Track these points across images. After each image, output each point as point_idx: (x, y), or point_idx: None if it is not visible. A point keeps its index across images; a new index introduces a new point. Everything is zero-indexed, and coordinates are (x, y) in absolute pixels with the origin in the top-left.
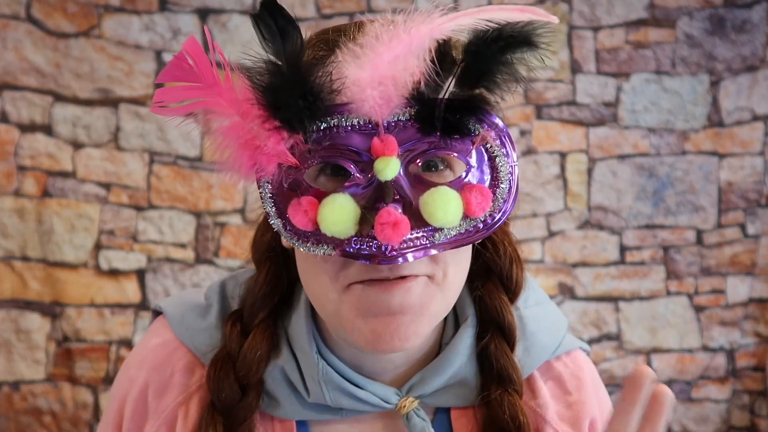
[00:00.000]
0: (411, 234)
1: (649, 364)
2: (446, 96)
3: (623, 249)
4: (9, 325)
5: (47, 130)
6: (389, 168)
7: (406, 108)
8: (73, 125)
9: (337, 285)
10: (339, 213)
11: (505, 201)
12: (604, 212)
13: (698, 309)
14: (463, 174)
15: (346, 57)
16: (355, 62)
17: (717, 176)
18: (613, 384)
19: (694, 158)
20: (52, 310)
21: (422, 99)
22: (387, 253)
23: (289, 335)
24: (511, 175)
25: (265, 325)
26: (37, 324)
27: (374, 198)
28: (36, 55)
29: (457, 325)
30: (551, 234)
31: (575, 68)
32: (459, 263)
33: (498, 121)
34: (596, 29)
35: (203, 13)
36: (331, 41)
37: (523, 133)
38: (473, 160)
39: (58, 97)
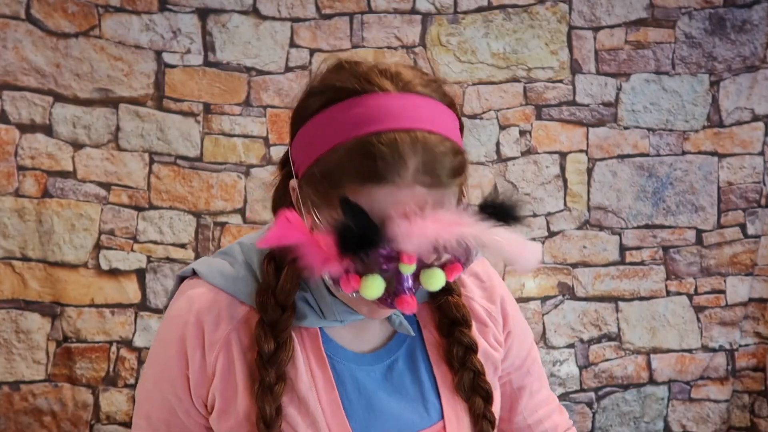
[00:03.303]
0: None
1: (649, 364)
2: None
3: (623, 249)
4: (9, 325)
5: (47, 130)
6: (409, 270)
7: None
8: (73, 125)
9: (355, 296)
10: (375, 290)
11: (467, 267)
12: (604, 212)
13: (698, 309)
14: (450, 259)
15: (402, 225)
16: (408, 227)
17: (717, 176)
18: (613, 384)
19: (694, 158)
20: (52, 310)
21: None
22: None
23: (312, 287)
24: (474, 254)
25: (294, 262)
26: (37, 324)
27: (397, 278)
28: (36, 55)
29: None
30: (551, 234)
31: (575, 68)
32: None
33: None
34: (596, 29)
35: (203, 13)
36: (393, 152)
37: (523, 133)
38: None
39: (58, 97)
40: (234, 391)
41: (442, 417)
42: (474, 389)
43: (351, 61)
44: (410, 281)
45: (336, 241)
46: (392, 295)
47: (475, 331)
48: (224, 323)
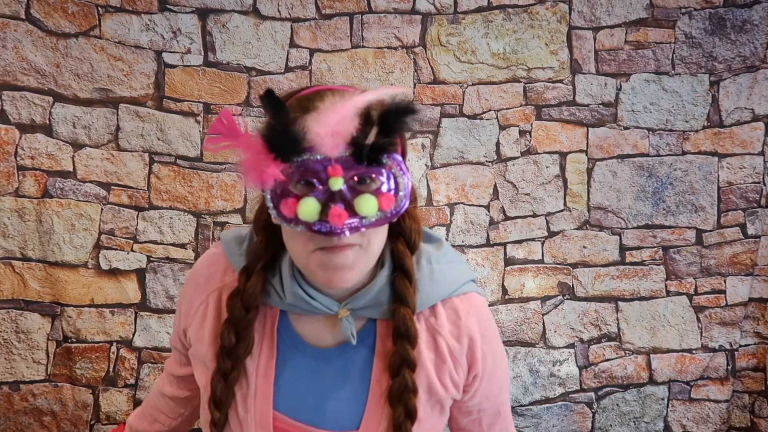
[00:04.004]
0: (348, 220)
1: (648, 364)
2: (369, 142)
3: (623, 249)
4: (9, 325)
5: (47, 130)
6: (337, 183)
7: (347, 149)
8: (73, 125)
9: (306, 249)
10: (309, 208)
11: (402, 201)
12: (604, 212)
13: (698, 309)
14: (380, 186)
15: (312, 118)
16: (317, 122)
17: (717, 176)
18: (612, 384)
19: (694, 158)
20: (52, 310)
21: (356, 144)
22: (335, 231)
23: (282, 270)
24: (406, 187)
25: (261, 271)
26: (37, 324)
27: (329, 199)
28: (36, 55)
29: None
30: (551, 234)
31: (575, 68)
32: (377, 235)
33: (398, 156)
34: (596, 29)
35: (203, 13)
36: (303, 106)
37: (522, 133)
38: (384, 178)
39: (58, 97)
40: (201, 341)
41: (358, 427)
42: (399, 399)
43: None
44: (341, 199)
45: (263, 136)
46: (326, 215)
47: (425, 361)
48: (214, 283)
